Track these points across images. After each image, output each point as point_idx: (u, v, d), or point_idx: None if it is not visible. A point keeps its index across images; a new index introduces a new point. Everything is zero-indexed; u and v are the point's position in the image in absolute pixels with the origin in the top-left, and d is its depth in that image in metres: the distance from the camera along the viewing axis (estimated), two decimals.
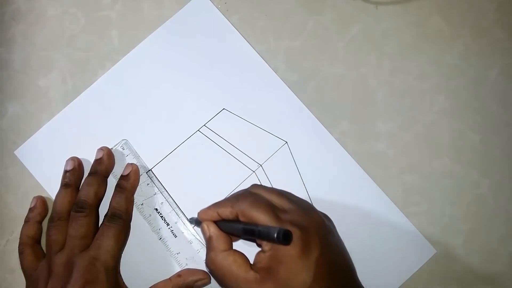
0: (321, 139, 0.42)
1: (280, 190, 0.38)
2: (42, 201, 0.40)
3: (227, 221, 0.36)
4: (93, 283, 0.35)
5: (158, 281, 0.38)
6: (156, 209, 0.41)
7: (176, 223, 0.40)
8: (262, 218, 0.34)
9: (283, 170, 0.40)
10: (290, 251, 0.33)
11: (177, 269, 0.40)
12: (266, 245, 0.34)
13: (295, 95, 0.42)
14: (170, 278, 0.38)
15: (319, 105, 0.42)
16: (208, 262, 0.36)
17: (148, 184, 0.41)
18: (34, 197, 0.40)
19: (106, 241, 0.36)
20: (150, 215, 0.40)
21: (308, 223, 0.34)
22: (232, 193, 0.41)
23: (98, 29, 0.43)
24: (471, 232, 0.42)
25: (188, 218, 0.41)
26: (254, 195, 0.36)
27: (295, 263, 0.33)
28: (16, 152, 0.42)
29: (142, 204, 0.40)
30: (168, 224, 0.40)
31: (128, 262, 0.39)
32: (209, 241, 0.36)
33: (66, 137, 0.42)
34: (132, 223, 0.39)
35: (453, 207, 0.42)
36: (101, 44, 0.43)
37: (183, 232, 0.40)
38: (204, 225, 0.37)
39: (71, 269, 0.35)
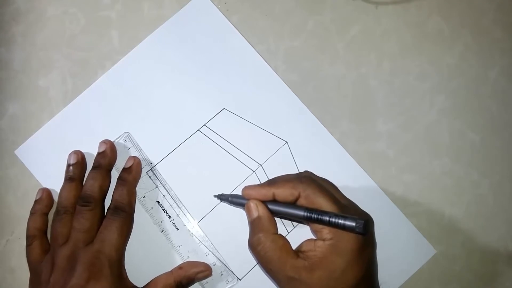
0: (321, 139, 0.42)
1: (331, 182, 0.38)
2: (48, 193, 0.40)
3: (281, 203, 0.36)
4: (97, 277, 0.35)
5: (160, 273, 0.38)
6: (158, 202, 0.41)
7: (178, 215, 0.40)
8: (328, 206, 0.35)
9: (283, 170, 0.40)
10: (353, 244, 0.34)
11: (179, 261, 0.40)
12: (328, 234, 0.34)
13: (295, 95, 0.42)
14: (171, 271, 0.38)
15: (319, 105, 0.42)
16: (254, 243, 0.36)
17: (150, 177, 0.41)
18: (40, 189, 0.40)
19: (109, 235, 0.37)
20: (152, 207, 0.41)
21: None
22: (233, 192, 0.41)
23: (98, 29, 0.43)
24: (471, 232, 0.42)
25: (216, 194, 0.40)
26: (315, 181, 0.37)
27: (354, 257, 0.34)
28: (16, 152, 0.42)
29: (144, 197, 0.41)
30: (170, 217, 0.40)
31: (130, 255, 0.39)
32: (257, 222, 0.36)
33: (66, 137, 0.42)
34: (134, 216, 0.39)
35: (453, 207, 0.42)
36: (101, 44, 0.43)
37: (185, 225, 0.40)
38: (253, 204, 0.37)
39: (74, 262, 0.36)
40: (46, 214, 0.40)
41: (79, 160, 0.40)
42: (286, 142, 0.42)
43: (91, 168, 0.40)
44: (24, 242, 0.39)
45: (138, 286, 0.38)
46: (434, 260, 0.41)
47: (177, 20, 0.43)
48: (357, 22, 0.44)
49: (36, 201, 0.40)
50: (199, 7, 0.43)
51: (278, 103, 0.42)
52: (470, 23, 0.44)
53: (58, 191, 0.39)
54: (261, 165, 0.41)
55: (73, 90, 0.42)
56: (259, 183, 0.39)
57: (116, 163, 0.41)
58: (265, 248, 0.35)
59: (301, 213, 0.35)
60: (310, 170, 0.40)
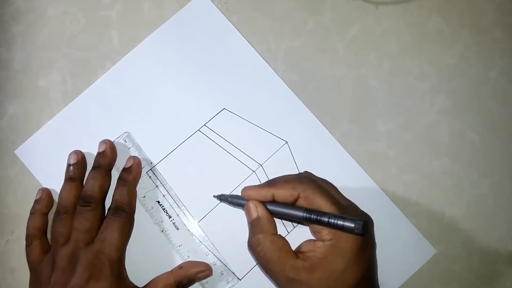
0: (321, 139, 0.42)
1: (330, 182, 0.38)
2: (47, 193, 0.40)
3: (281, 204, 0.36)
4: (97, 277, 0.35)
5: (160, 273, 0.38)
6: (158, 202, 0.41)
7: (178, 215, 0.40)
8: (327, 207, 0.35)
9: (283, 170, 0.40)
10: (352, 245, 0.34)
11: (179, 261, 0.40)
12: (327, 235, 0.34)
13: (295, 95, 0.42)
14: (172, 271, 0.38)
15: (319, 105, 0.42)
16: (254, 244, 0.36)
17: (150, 177, 0.41)
18: (40, 189, 0.40)
19: (110, 235, 0.37)
20: (152, 207, 0.41)
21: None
22: (232, 192, 0.41)
23: (98, 29, 0.43)
24: (471, 232, 0.42)
25: (216, 195, 0.40)
26: (315, 182, 0.37)
27: (353, 257, 0.34)
28: (16, 152, 0.42)
29: (144, 197, 0.41)
30: (170, 217, 0.40)
31: (130, 255, 0.39)
32: (256, 222, 0.36)
33: (66, 137, 0.42)
34: (134, 216, 0.39)
35: (453, 207, 0.42)
36: (101, 44, 0.43)
37: (185, 225, 0.40)
38: (252, 204, 0.37)
39: (75, 262, 0.36)
40: (46, 214, 0.40)
41: (79, 160, 0.40)
42: (286, 142, 0.42)
43: (91, 168, 0.40)
44: (24, 242, 0.39)
45: (139, 286, 0.38)
46: (434, 260, 0.41)
47: (177, 20, 0.43)
48: (357, 22, 0.44)
49: (36, 201, 0.40)
50: (199, 7, 0.43)
51: (278, 103, 0.42)
52: (470, 23, 0.44)
53: (58, 191, 0.39)
54: (261, 165, 0.41)
55: (73, 90, 0.42)
56: (259, 183, 0.39)
57: (116, 163, 0.41)
58: (265, 249, 0.35)
59: (300, 214, 0.35)
60: (310, 170, 0.40)
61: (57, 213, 0.38)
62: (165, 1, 0.43)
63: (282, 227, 0.40)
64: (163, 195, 0.41)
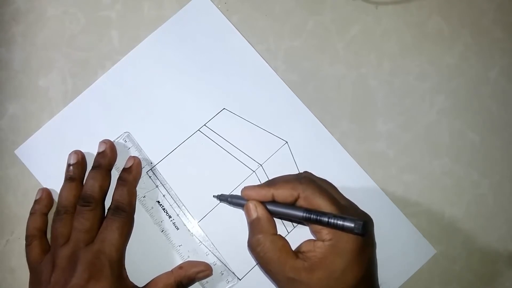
0: (321, 139, 0.42)
1: (330, 182, 0.39)
2: (47, 193, 0.40)
3: (280, 204, 0.36)
4: (97, 277, 0.35)
5: (160, 273, 0.38)
6: (158, 202, 0.41)
7: (178, 215, 0.40)
8: (327, 207, 0.35)
9: (283, 170, 0.40)
10: (352, 245, 0.34)
11: (179, 261, 0.40)
12: (327, 235, 0.34)
13: (295, 95, 0.42)
14: (172, 271, 0.38)
15: (319, 105, 0.42)
16: (254, 244, 0.36)
17: (150, 177, 0.41)
18: (40, 189, 0.40)
19: (110, 235, 0.37)
20: (152, 207, 0.41)
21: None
22: (232, 192, 0.41)
23: (98, 29, 0.43)
24: (471, 232, 0.42)
25: (216, 195, 0.40)
26: (315, 182, 0.37)
27: (353, 257, 0.34)
28: (16, 152, 0.42)
29: (144, 197, 0.41)
30: (170, 217, 0.40)
31: (130, 254, 0.39)
32: (256, 223, 0.36)
33: (66, 137, 0.42)
34: (134, 216, 0.39)
35: (453, 207, 0.42)
36: (101, 44, 0.43)
37: (185, 225, 0.40)
38: (252, 205, 0.37)
39: (75, 262, 0.36)
40: (46, 214, 0.40)
41: (79, 160, 0.40)
42: (286, 142, 0.42)
43: (91, 168, 0.40)
44: (24, 242, 0.39)
45: (139, 286, 0.38)
46: (434, 260, 0.41)
47: (177, 20, 0.43)
48: (357, 22, 0.44)
49: (35, 201, 0.40)
50: (199, 7, 0.43)
51: (278, 103, 0.42)
52: (470, 23, 0.44)
53: (58, 191, 0.39)
54: (261, 165, 0.41)
55: (73, 90, 0.42)
56: (259, 183, 0.39)
57: (116, 163, 0.41)
58: (265, 249, 0.35)
59: (300, 214, 0.35)
60: (310, 170, 0.40)
61: (57, 213, 0.38)
62: (165, 1, 0.44)
63: (282, 227, 0.40)
64: (163, 195, 0.41)
